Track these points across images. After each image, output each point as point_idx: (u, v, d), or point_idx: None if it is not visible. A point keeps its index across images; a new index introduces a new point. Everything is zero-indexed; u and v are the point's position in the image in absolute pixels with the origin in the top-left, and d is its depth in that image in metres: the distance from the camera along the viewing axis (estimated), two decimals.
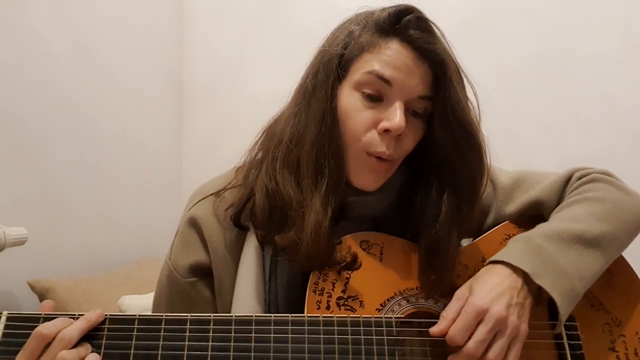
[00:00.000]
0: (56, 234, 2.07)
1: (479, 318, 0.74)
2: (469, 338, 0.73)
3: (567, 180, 0.94)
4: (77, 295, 1.79)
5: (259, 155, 0.89)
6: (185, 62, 2.86)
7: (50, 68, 2.08)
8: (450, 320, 0.75)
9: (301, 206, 0.79)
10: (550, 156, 1.92)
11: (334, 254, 0.80)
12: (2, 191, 1.88)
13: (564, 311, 0.77)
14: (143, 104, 2.58)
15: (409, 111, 0.81)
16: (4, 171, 1.90)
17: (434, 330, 0.76)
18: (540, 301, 0.80)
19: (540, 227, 0.86)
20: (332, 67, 0.81)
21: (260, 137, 0.90)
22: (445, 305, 0.82)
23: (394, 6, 0.81)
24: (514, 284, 0.77)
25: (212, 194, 0.89)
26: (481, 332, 0.73)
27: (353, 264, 0.82)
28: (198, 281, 0.88)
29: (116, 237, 2.34)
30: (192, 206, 0.90)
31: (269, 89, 2.49)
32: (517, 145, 1.93)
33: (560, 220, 0.86)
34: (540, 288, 0.78)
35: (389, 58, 0.79)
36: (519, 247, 0.82)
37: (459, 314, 0.75)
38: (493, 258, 0.82)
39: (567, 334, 0.84)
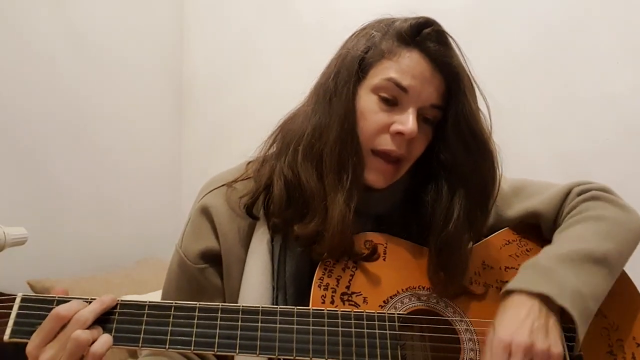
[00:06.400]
0: (56, 234, 2.08)
1: (507, 351, 0.73)
2: None
3: (566, 194, 0.96)
4: (77, 295, 1.79)
5: (274, 149, 0.92)
6: (185, 62, 2.88)
7: (50, 68, 2.10)
8: None
9: (324, 200, 0.83)
10: (550, 156, 1.92)
11: (353, 246, 0.84)
12: (2, 191, 1.89)
13: (582, 331, 0.77)
14: (143, 105, 2.60)
15: (420, 117, 0.85)
16: (4, 171, 1.91)
17: None
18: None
19: (549, 250, 0.87)
20: (353, 69, 0.85)
21: (276, 132, 0.93)
22: (446, 304, 0.86)
23: (415, 18, 0.85)
24: (532, 308, 0.77)
25: (223, 185, 0.92)
26: None
27: (372, 256, 0.85)
28: (208, 268, 0.90)
29: (116, 237, 2.35)
30: (204, 195, 0.92)
31: (268, 89, 2.52)
32: (516, 145, 1.91)
33: (567, 242, 0.87)
34: (558, 311, 0.78)
35: (407, 67, 0.83)
36: (530, 273, 0.82)
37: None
38: (506, 288, 0.82)
39: (565, 335, 0.85)
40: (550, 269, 0.81)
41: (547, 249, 0.87)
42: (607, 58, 1.86)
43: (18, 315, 0.71)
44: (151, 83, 2.67)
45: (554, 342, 0.74)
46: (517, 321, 0.75)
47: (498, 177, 0.89)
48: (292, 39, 2.52)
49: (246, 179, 0.92)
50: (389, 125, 0.84)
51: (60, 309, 0.69)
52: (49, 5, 2.10)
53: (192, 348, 0.72)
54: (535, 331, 0.73)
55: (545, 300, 0.77)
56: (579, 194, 0.95)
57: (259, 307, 0.76)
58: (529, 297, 0.78)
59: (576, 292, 0.78)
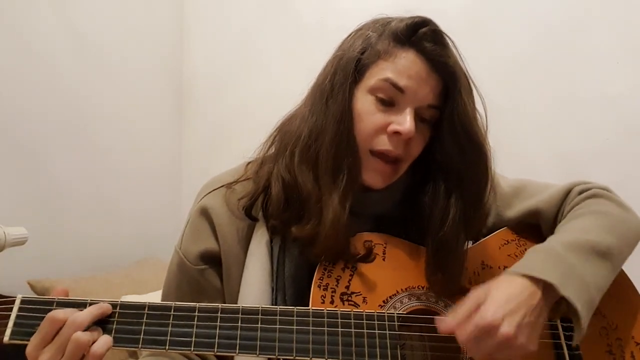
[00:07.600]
0: (56, 234, 2.08)
1: (489, 331, 0.71)
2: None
3: (567, 193, 0.96)
4: (77, 296, 1.79)
5: (272, 151, 0.92)
6: (185, 62, 2.89)
7: (50, 68, 2.10)
8: (460, 321, 0.74)
9: (319, 201, 0.82)
10: (550, 156, 1.92)
11: (349, 247, 0.84)
12: (2, 191, 1.90)
13: (584, 323, 0.76)
14: (143, 105, 2.60)
15: (417, 117, 0.85)
16: (4, 171, 1.91)
17: (441, 327, 0.75)
18: (557, 313, 0.80)
19: (556, 238, 0.86)
20: (349, 70, 0.85)
21: (274, 134, 0.93)
22: (445, 304, 0.86)
23: (410, 18, 0.85)
24: (532, 299, 0.75)
25: (223, 186, 0.92)
26: (486, 345, 0.72)
27: (367, 257, 0.85)
28: (208, 269, 0.90)
29: (116, 237, 2.36)
30: (204, 197, 0.92)
31: (268, 89, 2.52)
32: (516, 145, 1.92)
33: (573, 232, 0.87)
34: (560, 299, 0.77)
35: (403, 67, 0.83)
36: (540, 258, 0.81)
37: (469, 317, 0.73)
38: (514, 269, 0.80)
39: (564, 334, 0.86)
40: (559, 256, 0.80)
41: (555, 237, 0.86)
42: (607, 58, 1.86)
43: (18, 317, 0.71)
44: (151, 83, 2.67)
45: (533, 342, 0.73)
46: (512, 306, 0.73)
47: (490, 179, 0.90)
48: (292, 39, 2.52)
49: (245, 180, 0.92)
50: (387, 126, 0.84)
51: (56, 313, 0.69)
52: (49, 5, 2.10)
53: (192, 349, 0.72)
54: (523, 326, 0.72)
55: (548, 289, 0.76)
56: (580, 193, 0.95)
57: (258, 307, 0.76)
58: (534, 284, 0.76)
59: (582, 282, 0.77)
